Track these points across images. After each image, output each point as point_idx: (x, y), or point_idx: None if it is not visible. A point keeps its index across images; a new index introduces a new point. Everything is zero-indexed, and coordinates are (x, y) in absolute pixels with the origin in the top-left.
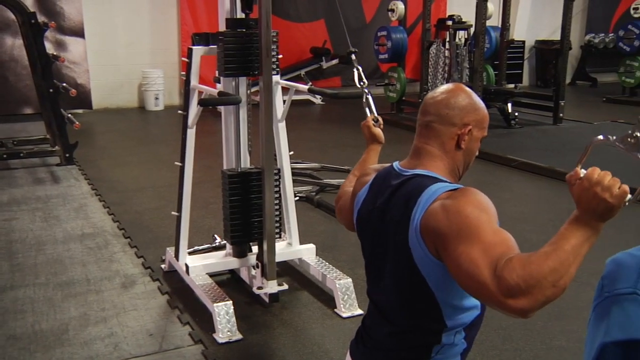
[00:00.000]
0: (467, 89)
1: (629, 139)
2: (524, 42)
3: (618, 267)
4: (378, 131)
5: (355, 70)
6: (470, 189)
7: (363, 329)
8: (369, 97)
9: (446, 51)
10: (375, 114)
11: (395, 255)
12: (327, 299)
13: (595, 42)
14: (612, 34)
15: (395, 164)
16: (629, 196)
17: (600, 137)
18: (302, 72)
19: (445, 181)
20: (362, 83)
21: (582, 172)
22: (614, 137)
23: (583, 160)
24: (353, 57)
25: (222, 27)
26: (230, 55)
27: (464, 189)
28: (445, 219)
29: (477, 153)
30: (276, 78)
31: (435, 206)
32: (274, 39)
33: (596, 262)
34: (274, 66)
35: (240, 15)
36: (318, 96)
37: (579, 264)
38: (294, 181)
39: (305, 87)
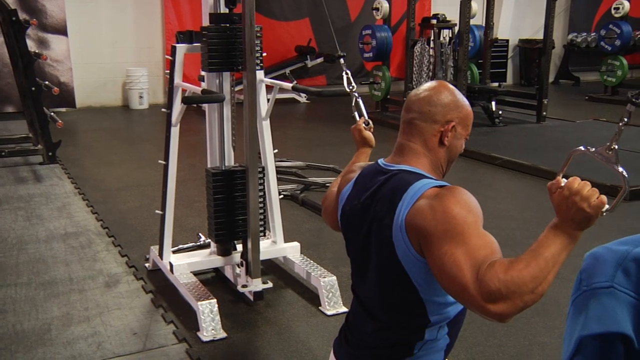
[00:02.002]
0: (451, 86)
1: (607, 151)
2: (507, 41)
3: (596, 261)
4: (369, 134)
5: (344, 74)
6: (458, 188)
7: (346, 327)
8: (359, 100)
9: (430, 50)
10: (366, 117)
11: (379, 250)
12: (312, 297)
13: (578, 41)
14: (594, 33)
15: (380, 160)
16: (606, 206)
17: (581, 147)
18: (287, 70)
19: (430, 177)
20: (351, 87)
21: (563, 182)
22: (593, 149)
23: (564, 169)
24: (342, 61)
25: (205, 23)
26: (214, 50)
27: (451, 187)
28: (432, 218)
29: (461, 150)
30: (260, 76)
31: (422, 204)
32: (258, 34)
33: (579, 258)
34: (258, 62)
35: (223, 10)
36: (303, 95)
37: (557, 271)
38: (278, 180)
39: (289, 85)
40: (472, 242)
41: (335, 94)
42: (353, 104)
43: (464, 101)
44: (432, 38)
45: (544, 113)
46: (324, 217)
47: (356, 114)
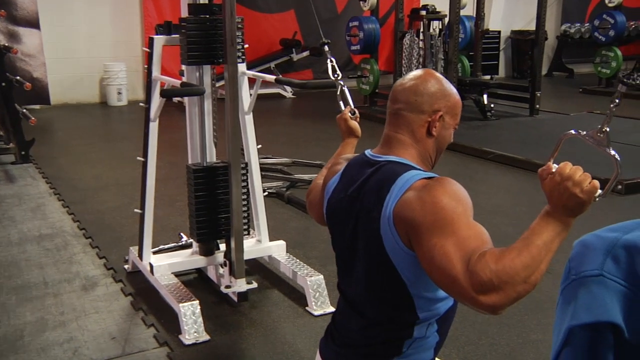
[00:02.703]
0: (438, 74)
1: (598, 134)
2: (499, 32)
3: (585, 249)
4: (355, 124)
5: (328, 62)
6: (446, 178)
7: (333, 326)
8: (345, 89)
9: (420, 42)
10: (352, 106)
11: (367, 244)
12: (298, 297)
13: (571, 32)
14: (587, 24)
15: (368, 152)
16: (599, 191)
17: (572, 131)
18: (272, 64)
19: (419, 169)
20: (336, 75)
21: (554, 167)
22: (584, 132)
23: (555, 155)
24: (326, 48)
25: (184, 14)
26: (193, 42)
27: (439, 178)
28: (420, 210)
29: (450, 140)
30: (242, 68)
31: (410, 195)
32: (239, 26)
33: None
34: (240, 54)
35: (203, 0)
36: (289, 89)
37: (550, 260)
38: (264, 177)
39: (272, 78)
40: (462, 232)
41: (320, 86)
42: (338, 93)
43: (452, 89)
44: (421, 30)
45: (537, 106)
46: (309, 211)
47: (341, 103)
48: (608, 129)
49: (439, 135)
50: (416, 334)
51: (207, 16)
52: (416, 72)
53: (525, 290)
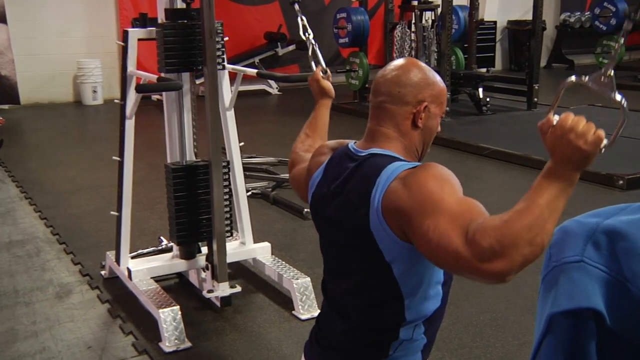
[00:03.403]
0: (420, 63)
1: (602, 78)
2: (495, 22)
3: (565, 235)
4: (327, 84)
5: (299, 20)
6: (430, 163)
7: (317, 328)
8: (316, 48)
9: (412, 34)
10: (324, 66)
11: (356, 241)
12: (284, 301)
13: (571, 21)
14: (588, 13)
15: (351, 145)
16: (605, 142)
17: (573, 77)
18: (256, 59)
19: (404, 160)
20: (307, 34)
21: (555, 119)
22: (587, 77)
23: (555, 105)
24: (296, 7)
25: (161, 15)
26: (171, 49)
27: (424, 164)
28: (407, 195)
29: (437, 130)
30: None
31: (395, 184)
32: (219, 30)
33: None
34: (219, 46)
35: (180, 5)
36: (274, 85)
37: (557, 220)
38: (248, 177)
39: (253, 71)
40: (454, 208)
41: (304, 79)
42: (310, 53)
43: (435, 77)
44: (413, 21)
45: (535, 99)
46: (292, 186)
47: (313, 63)
48: (613, 72)
49: (425, 126)
50: (402, 335)
51: (185, 21)
52: (397, 62)
53: (532, 253)
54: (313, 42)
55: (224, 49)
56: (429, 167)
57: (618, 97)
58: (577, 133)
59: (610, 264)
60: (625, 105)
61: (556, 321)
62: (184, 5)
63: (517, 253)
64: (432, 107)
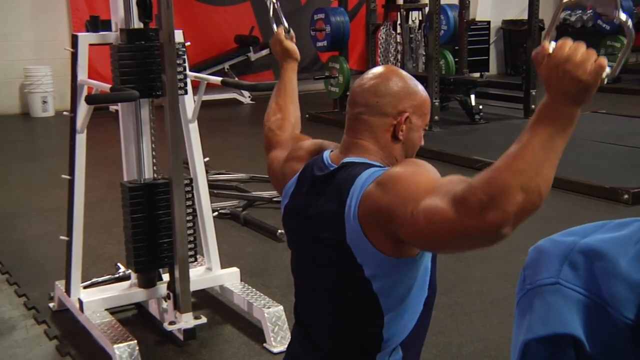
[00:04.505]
0: (400, 71)
1: None
2: (488, 22)
3: (539, 255)
4: (291, 45)
5: None
6: (404, 159)
7: (287, 357)
8: (277, 5)
9: (397, 36)
10: (286, 25)
11: (331, 258)
12: (255, 332)
13: (571, 20)
14: (590, 11)
15: (326, 155)
16: (607, 70)
17: None
18: (226, 65)
19: (379, 165)
20: None
21: (551, 47)
22: None
23: (552, 30)
24: None
25: (115, 22)
26: (127, 73)
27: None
28: (382, 193)
29: (420, 143)
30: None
31: (370, 188)
32: (180, 52)
33: None
34: (180, 53)
35: (138, 24)
36: (246, 94)
37: (555, 164)
38: (216, 195)
39: (217, 79)
40: (432, 184)
41: (274, 87)
42: (271, 14)
43: (417, 86)
44: (398, 22)
45: (533, 106)
46: (268, 172)
47: (274, 25)
48: None
49: (407, 139)
50: None
51: (143, 42)
52: (376, 70)
53: (527, 200)
54: (274, 1)
55: (184, 49)
56: (401, 163)
57: (623, 15)
58: (575, 62)
59: (588, 285)
60: (630, 25)
61: (531, 348)
62: (141, 25)
63: (509, 202)
64: (414, 119)
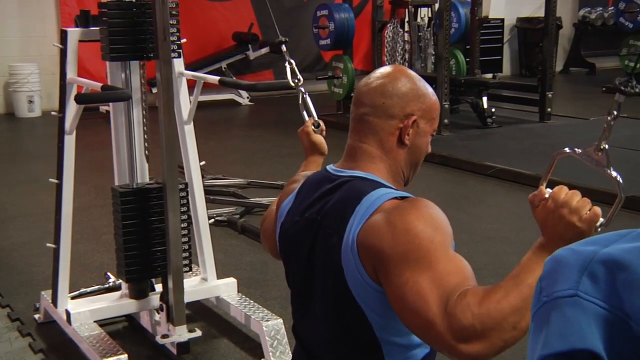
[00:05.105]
0: (409, 71)
1: (596, 152)
2: (502, 20)
3: (557, 266)
4: (319, 139)
5: (287, 64)
6: (421, 200)
7: None
8: (306, 96)
9: (405, 34)
10: (316, 117)
11: (325, 278)
12: (253, 347)
13: (592, 18)
14: (611, 8)
15: (330, 167)
16: (601, 220)
17: (566, 149)
18: (223, 64)
19: (389, 186)
20: (296, 80)
21: (547, 192)
22: (580, 150)
23: (547, 177)
24: (284, 47)
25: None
26: (117, 33)
27: (413, 199)
28: (390, 237)
29: (427, 150)
30: (179, 67)
31: (378, 219)
32: (174, 12)
33: None
34: (175, 46)
35: None
36: (245, 95)
37: None
38: (213, 201)
39: (214, 79)
40: (440, 266)
41: (274, 87)
42: (300, 102)
43: (427, 88)
44: (406, 19)
45: (549, 109)
46: (262, 242)
47: (304, 113)
48: (607, 146)
49: (413, 144)
50: None
51: (133, 1)
52: (383, 70)
53: (514, 338)
54: (302, 90)
55: (179, 43)
56: (418, 204)
57: (614, 173)
58: (571, 208)
59: (609, 298)
60: (621, 182)
61: None
62: None
63: (498, 337)
64: (422, 123)
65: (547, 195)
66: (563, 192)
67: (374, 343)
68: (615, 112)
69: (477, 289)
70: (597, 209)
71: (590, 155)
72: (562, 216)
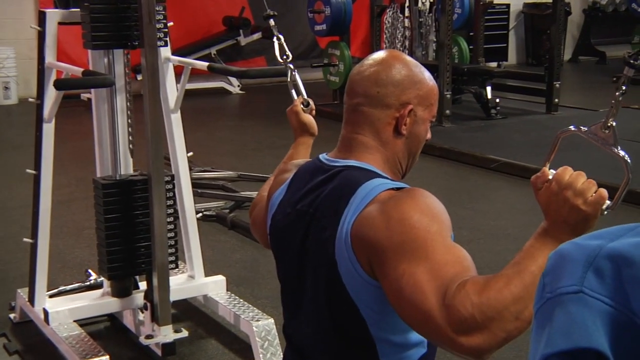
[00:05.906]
0: (405, 56)
1: (602, 130)
2: (508, 6)
3: (561, 261)
4: (309, 118)
5: (275, 40)
6: (418, 189)
7: None
8: (295, 74)
9: (405, 20)
10: (305, 96)
11: (318, 271)
12: (242, 348)
13: (603, 4)
14: None
15: (322, 156)
16: (607, 202)
17: (571, 127)
18: (213, 50)
19: (385, 177)
20: (285, 57)
21: (551, 173)
22: (585, 128)
23: (551, 158)
24: (272, 22)
25: None
26: (99, 19)
27: (409, 189)
28: (385, 228)
29: (427, 138)
30: (166, 52)
31: (372, 210)
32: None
33: None
34: (161, 34)
35: None
36: (235, 83)
37: None
38: (201, 195)
39: (203, 64)
40: (437, 257)
41: (265, 74)
42: (288, 80)
43: (423, 73)
44: (407, 4)
45: (556, 100)
46: (252, 231)
47: (293, 92)
48: (614, 123)
49: (411, 133)
50: None
51: None
52: (377, 56)
53: (517, 328)
54: (292, 67)
55: (166, 30)
56: (415, 194)
57: (621, 152)
58: (575, 190)
59: (616, 295)
60: (629, 161)
61: None
62: None
63: (500, 328)
64: (419, 111)
65: (550, 177)
66: (567, 173)
67: (368, 341)
68: (623, 88)
69: (477, 278)
70: (604, 191)
71: (596, 133)
72: (567, 199)
